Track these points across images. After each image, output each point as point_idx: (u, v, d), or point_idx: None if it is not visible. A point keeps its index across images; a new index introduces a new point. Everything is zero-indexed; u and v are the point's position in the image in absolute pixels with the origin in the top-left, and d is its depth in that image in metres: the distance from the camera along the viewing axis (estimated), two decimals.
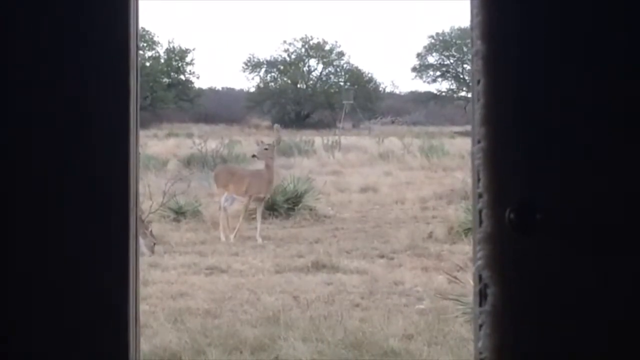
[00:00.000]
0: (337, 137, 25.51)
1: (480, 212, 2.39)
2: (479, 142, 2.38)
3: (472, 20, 2.46)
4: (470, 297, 8.71)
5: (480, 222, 2.39)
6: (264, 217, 13.92)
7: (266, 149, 14.08)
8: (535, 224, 2.30)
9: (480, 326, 2.38)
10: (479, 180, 2.39)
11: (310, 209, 14.74)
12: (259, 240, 12.81)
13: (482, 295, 2.41)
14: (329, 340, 7.94)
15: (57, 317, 2.72)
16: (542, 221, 2.30)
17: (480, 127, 2.37)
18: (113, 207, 2.66)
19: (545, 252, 2.34)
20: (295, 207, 14.61)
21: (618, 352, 2.33)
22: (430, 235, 12.93)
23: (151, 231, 11.96)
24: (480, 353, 2.37)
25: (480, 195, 2.38)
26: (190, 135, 27.33)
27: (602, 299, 2.33)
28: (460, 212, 13.51)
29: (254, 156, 14.25)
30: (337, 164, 21.76)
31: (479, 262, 2.36)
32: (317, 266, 11.09)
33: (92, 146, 2.69)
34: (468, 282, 9.40)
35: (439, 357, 7.54)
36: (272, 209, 14.44)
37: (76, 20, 2.70)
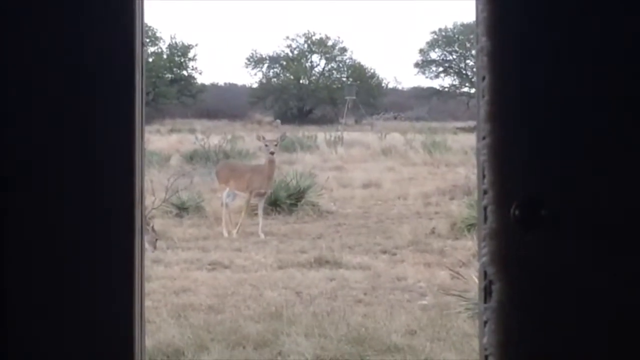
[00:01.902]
0: (339, 133, 25.51)
1: (485, 208, 2.39)
2: (484, 138, 2.38)
3: (477, 17, 2.45)
4: (473, 293, 8.77)
5: (485, 218, 2.39)
6: (266, 213, 13.93)
7: (275, 145, 14.12)
8: (540, 220, 2.30)
9: (485, 322, 2.38)
10: (484, 176, 2.38)
11: (313, 205, 14.74)
12: (262, 236, 12.82)
13: (487, 292, 2.41)
14: (331, 335, 7.94)
15: (60, 313, 2.72)
16: (547, 217, 2.29)
17: (485, 123, 2.36)
18: (118, 204, 2.66)
19: (551, 248, 2.33)
20: (298, 203, 14.60)
21: (623, 349, 2.33)
22: (432, 231, 12.93)
23: (153, 227, 11.96)
24: (485, 349, 2.36)
25: (485, 192, 2.38)
26: (192, 131, 27.36)
27: (607, 295, 2.33)
28: (463, 208, 13.52)
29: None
30: (340, 160, 21.77)
31: (484, 258, 2.35)
32: (320, 262, 11.09)
33: (97, 142, 2.69)
34: (471, 278, 9.41)
35: (441, 353, 7.54)
36: (274, 204, 14.44)
37: (81, 17, 2.70)
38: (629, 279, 2.32)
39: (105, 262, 2.69)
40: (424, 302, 9.41)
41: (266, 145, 14.16)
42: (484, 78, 2.36)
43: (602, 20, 2.35)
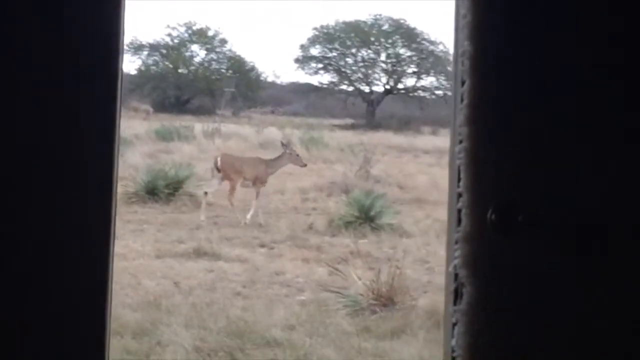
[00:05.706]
0: (217, 124, 25.36)
1: (459, 211, 2.40)
2: (460, 141, 2.39)
3: (457, 21, 2.48)
4: (352, 290, 8.86)
5: (459, 221, 2.41)
6: (143, 202, 13.78)
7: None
8: (517, 225, 2.32)
9: (454, 324, 2.40)
10: (459, 179, 2.41)
11: (191, 195, 14.59)
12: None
13: (457, 294, 2.43)
14: (211, 327, 7.94)
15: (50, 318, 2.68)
16: (523, 222, 2.32)
17: (464, 126, 2.37)
18: (98, 191, 2.64)
19: (525, 253, 2.37)
20: (176, 193, 14.45)
21: (595, 353, 2.37)
22: (310, 227, 12.98)
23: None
24: (453, 351, 2.38)
25: (460, 195, 2.39)
26: None
27: (580, 300, 2.37)
28: (341, 205, 13.62)
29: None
30: (217, 151, 21.62)
31: (456, 261, 2.36)
32: (198, 253, 11.03)
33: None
34: (349, 275, 9.51)
35: (321, 349, 7.61)
36: (152, 193, 14.25)
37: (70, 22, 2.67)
38: (603, 285, 2.36)
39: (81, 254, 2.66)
40: (302, 297, 9.45)
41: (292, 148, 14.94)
42: (463, 82, 2.39)
43: (584, 25, 2.38)
